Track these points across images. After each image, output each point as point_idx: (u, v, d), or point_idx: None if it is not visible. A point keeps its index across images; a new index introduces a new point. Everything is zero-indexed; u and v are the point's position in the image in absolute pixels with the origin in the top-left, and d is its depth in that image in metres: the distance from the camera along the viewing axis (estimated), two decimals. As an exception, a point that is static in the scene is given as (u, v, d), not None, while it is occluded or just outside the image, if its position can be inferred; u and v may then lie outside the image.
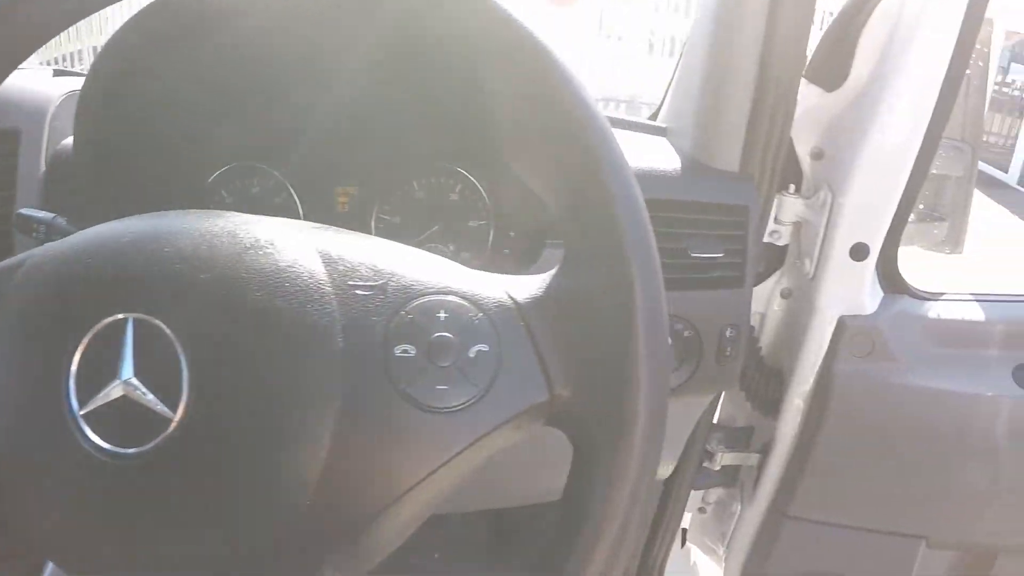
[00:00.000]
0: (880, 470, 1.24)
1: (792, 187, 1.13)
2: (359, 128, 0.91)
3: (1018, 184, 7.59)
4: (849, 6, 1.03)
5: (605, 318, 0.47)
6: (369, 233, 0.96)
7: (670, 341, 0.47)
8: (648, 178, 0.94)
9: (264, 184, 0.93)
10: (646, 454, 0.46)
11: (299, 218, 0.94)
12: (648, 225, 0.48)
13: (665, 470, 1.22)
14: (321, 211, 0.96)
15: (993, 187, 7.05)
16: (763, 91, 0.94)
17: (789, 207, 1.13)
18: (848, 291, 1.13)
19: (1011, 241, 5.37)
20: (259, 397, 0.45)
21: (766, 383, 1.26)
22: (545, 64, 0.48)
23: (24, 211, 0.74)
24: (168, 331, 0.45)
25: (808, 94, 1.09)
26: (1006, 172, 7.70)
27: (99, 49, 0.74)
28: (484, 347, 0.47)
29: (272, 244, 0.48)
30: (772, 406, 1.27)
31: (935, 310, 1.19)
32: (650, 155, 1.00)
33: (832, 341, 1.16)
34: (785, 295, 1.22)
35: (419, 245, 0.97)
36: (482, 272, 0.52)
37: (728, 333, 0.96)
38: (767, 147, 0.98)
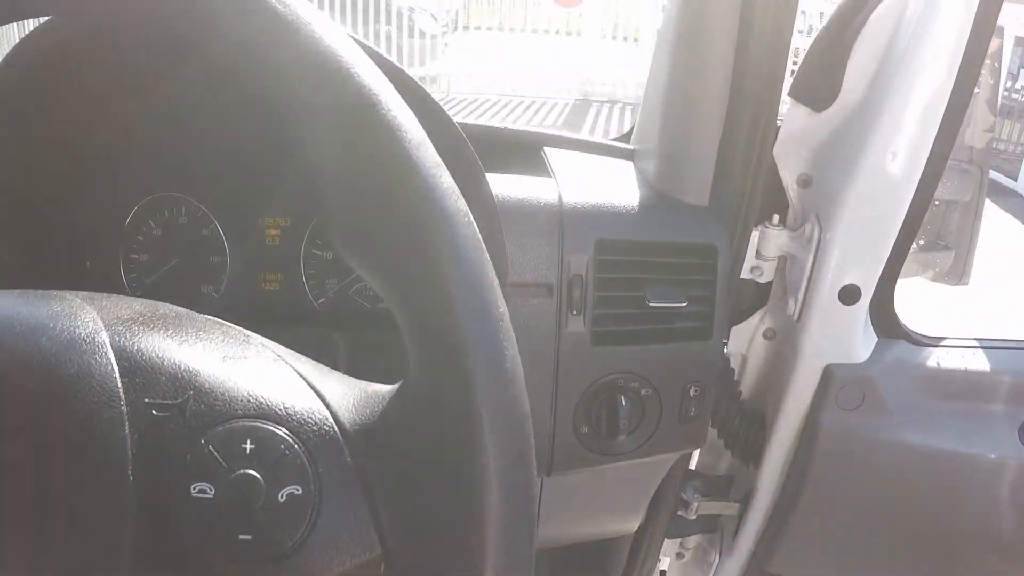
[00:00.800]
0: (868, 532, 1.12)
1: (776, 217, 1.00)
2: (284, 154, 0.81)
3: (1027, 192, 7.48)
4: (838, 14, 0.90)
5: (449, 460, 0.37)
6: (299, 271, 0.86)
7: (536, 489, 0.37)
8: (603, 215, 0.82)
9: (192, 214, 0.86)
10: None
11: (224, 253, 0.86)
12: (508, 346, 0.37)
13: (630, 525, 1.11)
14: (248, 245, 0.87)
15: (1002, 195, 6.96)
16: (736, 113, 0.81)
17: (772, 240, 1.00)
18: (836, 337, 1.00)
19: (1018, 249, 5.27)
20: (49, 532, 0.37)
21: (747, 430, 1.14)
22: (371, 125, 0.37)
23: None
24: None
25: (795, 114, 0.96)
26: (1015, 180, 7.59)
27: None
28: (296, 489, 0.38)
29: (68, 348, 0.39)
30: (753, 455, 1.15)
31: (935, 357, 1.06)
32: (608, 186, 0.87)
33: (818, 391, 1.03)
34: (768, 336, 1.09)
35: (352, 284, 0.87)
36: (317, 380, 0.40)
37: (692, 391, 0.84)
38: (743, 176, 0.85)
